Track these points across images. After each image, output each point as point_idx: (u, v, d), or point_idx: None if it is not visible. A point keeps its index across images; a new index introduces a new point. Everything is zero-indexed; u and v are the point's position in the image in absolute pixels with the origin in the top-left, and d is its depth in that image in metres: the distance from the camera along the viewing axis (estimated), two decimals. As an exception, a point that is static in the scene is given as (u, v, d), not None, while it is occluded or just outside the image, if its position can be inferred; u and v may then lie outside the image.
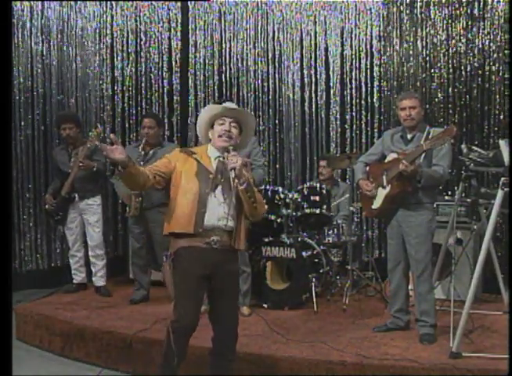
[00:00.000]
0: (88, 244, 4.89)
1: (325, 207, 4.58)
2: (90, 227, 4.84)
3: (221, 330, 2.73)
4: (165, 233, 2.73)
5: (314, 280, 4.36)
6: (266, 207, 3.26)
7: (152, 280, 4.74)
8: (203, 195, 2.65)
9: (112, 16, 5.99)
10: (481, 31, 5.09)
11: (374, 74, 5.59)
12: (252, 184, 2.71)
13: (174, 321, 2.63)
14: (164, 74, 6.15)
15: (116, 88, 6.05)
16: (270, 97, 6.01)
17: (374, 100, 5.60)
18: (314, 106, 5.86)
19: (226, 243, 2.68)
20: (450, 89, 5.24)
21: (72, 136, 4.76)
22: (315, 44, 5.81)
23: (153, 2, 6.08)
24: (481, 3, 5.07)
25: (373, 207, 3.70)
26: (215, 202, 2.66)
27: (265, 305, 4.36)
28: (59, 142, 5.44)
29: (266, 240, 4.51)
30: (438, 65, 5.28)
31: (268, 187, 4.59)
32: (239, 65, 6.09)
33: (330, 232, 4.83)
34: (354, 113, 5.70)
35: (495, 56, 5.03)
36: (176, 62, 6.17)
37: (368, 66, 5.62)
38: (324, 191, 4.64)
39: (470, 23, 5.13)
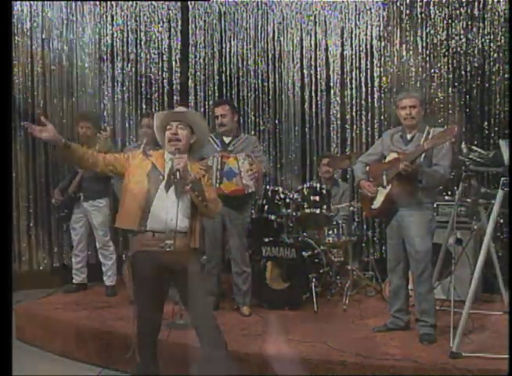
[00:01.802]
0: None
1: (325, 207, 4.58)
2: (95, 229, 4.84)
3: (198, 325, 2.76)
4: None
5: (314, 280, 4.35)
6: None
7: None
8: (151, 195, 2.70)
9: (112, 16, 5.99)
10: (481, 31, 5.09)
11: (374, 74, 5.60)
12: (200, 183, 2.73)
13: (138, 325, 2.72)
14: (164, 74, 6.15)
15: (116, 88, 6.05)
16: (270, 97, 6.01)
17: (374, 100, 5.61)
18: (314, 106, 5.86)
19: (181, 244, 2.70)
20: (450, 89, 5.24)
21: (88, 135, 4.76)
22: (315, 44, 5.82)
23: (153, 2, 6.08)
24: (481, 3, 5.08)
25: (373, 207, 3.70)
26: (167, 202, 2.70)
27: (265, 305, 4.36)
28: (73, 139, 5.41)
29: (266, 240, 4.51)
30: (438, 65, 5.28)
31: (268, 187, 4.60)
32: (239, 65, 6.09)
33: (330, 232, 4.82)
34: (354, 113, 5.70)
35: (495, 55, 5.04)
36: (176, 62, 6.17)
37: (368, 66, 5.62)
38: (324, 191, 4.64)
39: (470, 23, 5.14)
